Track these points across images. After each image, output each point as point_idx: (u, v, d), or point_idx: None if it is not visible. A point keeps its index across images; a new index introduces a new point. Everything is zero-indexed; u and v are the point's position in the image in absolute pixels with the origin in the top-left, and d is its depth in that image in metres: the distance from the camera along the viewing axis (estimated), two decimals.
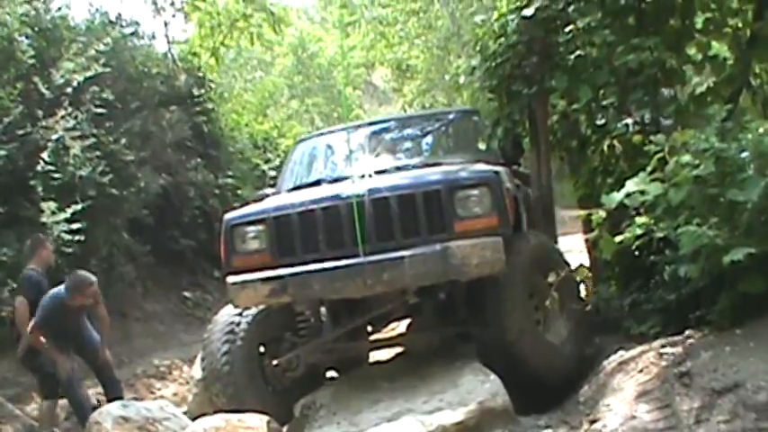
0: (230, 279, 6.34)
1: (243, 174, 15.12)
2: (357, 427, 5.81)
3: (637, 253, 6.46)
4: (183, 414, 7.68)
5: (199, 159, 14.10)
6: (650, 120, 7.25)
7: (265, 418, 6.28)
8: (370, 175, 6.93)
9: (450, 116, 8.70)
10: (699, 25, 7.70)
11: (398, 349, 7.80)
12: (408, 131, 7.96)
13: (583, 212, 6.54)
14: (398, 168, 7.28)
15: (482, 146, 7.84)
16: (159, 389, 10.78)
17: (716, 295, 5.35)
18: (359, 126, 8.77)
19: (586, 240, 8.29)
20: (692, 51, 7.70)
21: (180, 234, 13.50)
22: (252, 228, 6.44)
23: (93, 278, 8.07)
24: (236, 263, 6.44)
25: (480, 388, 5.83)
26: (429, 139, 8.20)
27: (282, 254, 6.27)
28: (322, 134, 9.14)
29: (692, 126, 6.59)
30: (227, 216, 6.64)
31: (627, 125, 7.19)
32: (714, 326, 5.32)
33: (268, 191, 8.34)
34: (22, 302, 8.37)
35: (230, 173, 14.73)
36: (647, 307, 6.47)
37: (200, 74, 15.08)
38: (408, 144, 7.86)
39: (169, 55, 15.09)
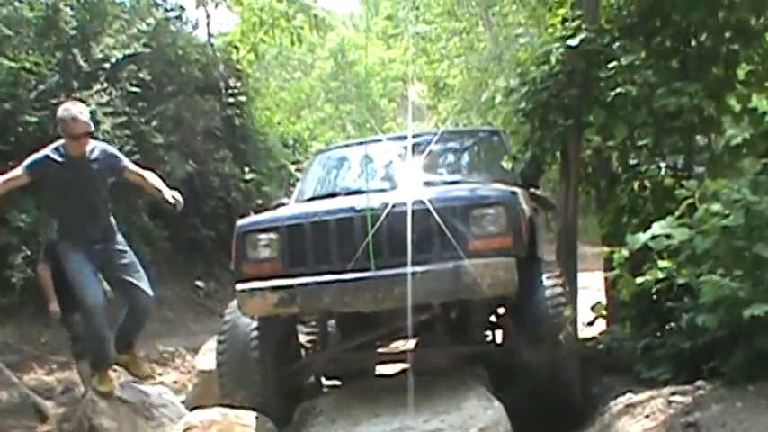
0: (239, 286, 6.26)
1: (269, 171, 15.11)
2: None
3: (655, 297, 6.39)
4: (180, 403, 7.66)
5: (227, 151, 14.08)
6: (683, 165, 7.17)
7: (263, 417, 6.24)
8: (387, 190, 6.91)
9: (474, 135, 8.72)
10: (741, 76, 7.64)
11: (404, 365, 7.73)
12: (430, 148, 7.87)
13: (606, 250, 6.47)
14: (416, 184, 7.22)
15: (505, 166, 7.77)
16: (160, 374, 10.75)
17: (732, 348, 5.26)
18: (379, 140, 8.71)
19: (606, 279, 8.26)
20: (731, 102, 7.63)
21: (200, 223, 13.50)
22: (264, 235, 6.35)
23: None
24: (246, 270, 6.36)
25: (483, 414, 5.73)
26: (450, 156, 8.15)
27: (293, 263, 6.19)
28: (342, 147, 9.13)
29: (725, 177, 6.56)
30: (240, 222, 6.59)
31: (659, 167, 7.11)
32: (726, 379, 5.22)
33: (284, 200, 8.31)
34: (44, 269, 8.51)
35: (257, 168, 14.67)
36: (660, 352, 6.36)
37: (238, 67, 15.06)
38: (428, 161, 7.75)
39: (209, 44, 15.08)
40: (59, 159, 6.72)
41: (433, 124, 26.10)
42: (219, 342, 6.85)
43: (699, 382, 5.38)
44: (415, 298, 5.85)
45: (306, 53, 35.80)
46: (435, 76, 25.18)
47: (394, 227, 5.98)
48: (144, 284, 6.97)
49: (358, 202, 6.18)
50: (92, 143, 6.88)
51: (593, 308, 6.52)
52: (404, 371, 7.57)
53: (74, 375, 9.90)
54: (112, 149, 7.38)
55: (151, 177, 7.28)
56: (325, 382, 7.81)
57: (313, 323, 7.33)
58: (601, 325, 8.30)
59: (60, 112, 6.70)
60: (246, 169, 14.37)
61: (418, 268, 5.81)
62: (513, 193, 6.28)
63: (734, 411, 4.73)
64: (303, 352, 7.30)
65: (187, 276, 13.56)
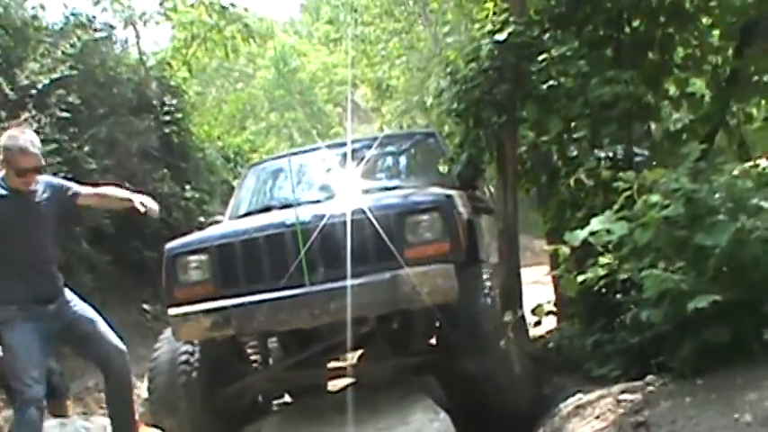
0: (172, 311, 6.06)
1: (211, 187, 14.82)
2: None
3: (603, 291, 6.25)
4: None
5: (166, 170, 13.78)
6: (623, 155, 7.04)
7: None
8: (322, 201, 6.75)
9: (409, 139, 8.58)
10: (678, 61, 7.53)
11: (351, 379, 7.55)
12: (365, 154, 7.70)
13: (548, 248, 6.33)
14: (352, 193, 7.07)
15: (442, 169, 7.62)
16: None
17: (679, 342, 5.11)
18: (314, 149, 8.56)
19: (553, 276, 8.14)
20: (669, 87, 7.52)
21: (143, 245, 13.15)
22: (194, 257, 6.16)
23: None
24: (178, 294, 6.15)
25: (429, 427, 5.61)
26: (386, 162, 8.01)
27: (226, 284, 6.00)
28: (275, 158, 8.95)
29: (666, 165, 6.43)
30: (168, 245, 6.36)
31: (599, 159, 6.97)
32: (675, 373, 5.09)
33: (218, 217, 8.11)
34: None
35: (197, 186, 14.41)
36: (610, 348, 6.22)
37: (172, 83, 14.78)
38: (364, 167, 7.59)
39: (141, 63, 14.82)
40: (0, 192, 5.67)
41: (378, 127, 25.92)
42: (150, 370, 6.70)
43: (648, 378, 5.26)
44: (352, 311, 5.68)
45: (247, 63, 35.64)
46: (377, 78, 24.98)
47: (326, 239, 5.82)
48: (110, 339, 6.12)
49: (289, 215, 5.99)
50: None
51: (533, 311, 6.34)
52: (349, 385, 7.40)
53: None
54: (57, 180, 6.37)
55: (112, 191, 6.56)
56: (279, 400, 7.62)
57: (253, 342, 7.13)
58: (552, 321, 8.19)
59: (5, 140, 5.64)
60: (188, 187, 14.09)
61: (354, 281, 5.65)
62: (449, 196, 6.12)
63: (683, 407, 4.62)
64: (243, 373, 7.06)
65: (133, 300, 13.22)
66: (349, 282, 5.65)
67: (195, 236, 6.49)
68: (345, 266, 5.75)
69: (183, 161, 14.65)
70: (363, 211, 5.86)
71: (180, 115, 14.54)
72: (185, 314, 5.93)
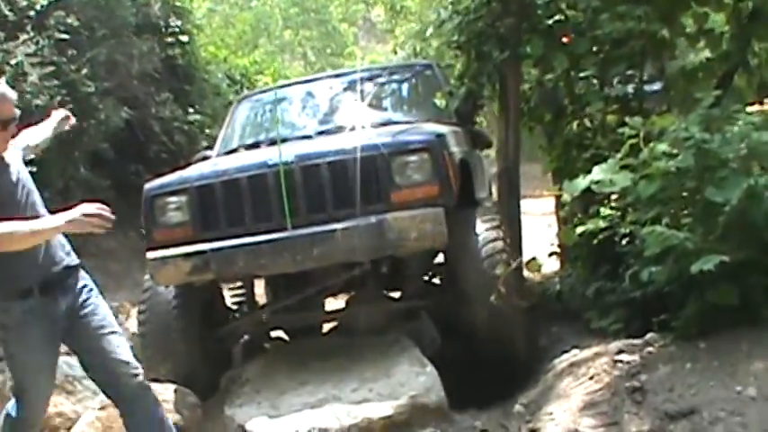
0: (150, 254, 5.76)
1: (214, 111, 14.47)
2: (278, 410, 5.35)
3: (606, 239, 5.94)
4: None
5: (168, 93, 13.45)
6: (633, 94, 6.66)
7: (183, 390, 5.85)
8: (312, 136, 6.45)
9: (406, 70, 8.14)
10: None
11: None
12: (361, 87, 7.34)
13: (552, 190, 6.01)
14: (341, 129, 6.77)
15: (439, 103, 7.27)
16: None
17: (683, 300, 4.81)
18: (308, 81, 8.25)
19: (557, 216, 7.83)
20: (686, 22, 7.09)
21: (144, 169, 12.88)
22: (173, 198, 5.84)
23: None
24: (157, 237, 5.84)
25: (414, 380, 5.35)
26: (381, 95, 7.59)
27: (206, 227, 5.70)
28: (266, 91, 8.62)
29: (680, 104, 6.08)
30: (147, 186, 6.05)
31: (607, 98, 6.59)
32: (677, 333, 4.80)
33: (207, 152, 7.78)
34: None
35: (201, 109, 14.08)
36: (612, 299, 5.95)
37: (177, 3, 14.34)
38: (357, 102, 7.25)
39: None
40: None
41: (391, 49, 25.37)
42: (140, 312, 6.40)
43: (649, 336, 5.00)
44: (336, 257, 5.49)
45: None
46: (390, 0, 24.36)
47: (310, 181, 5.52)
48: (124, 355, 4.55)
49: (270, 155, 5.69)
50: None
51: (527, 264, 5.98)
52: (337, 330, 7.20)
53: None
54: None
55: (31, 132, 5.10)
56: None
57: (238, 285, 6.89)
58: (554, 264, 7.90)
59: None
60: (191, 110, 13.76)
61: (338, 225, 5.39)
62: (440, 135, 5.79)
63: (683, 374, 4.39)
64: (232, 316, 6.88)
65: (132, 225, 12.91)
66: (332, 226, 5.40)
67: (174, 175, 6.15)
68: (329, 210, 5.48)
69: (187, 84, 14.33)
70: (348, 152, 5.55)
71: (185, 37, 14.15)
72: (164, 257, 5.65)
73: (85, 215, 4.08)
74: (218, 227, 5.69)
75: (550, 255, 7.38)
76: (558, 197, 7.15)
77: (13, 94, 4.42)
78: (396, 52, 22.04)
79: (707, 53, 7.00)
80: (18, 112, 4.39)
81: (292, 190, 5.48)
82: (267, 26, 33.04)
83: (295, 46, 35.14)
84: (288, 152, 5.61)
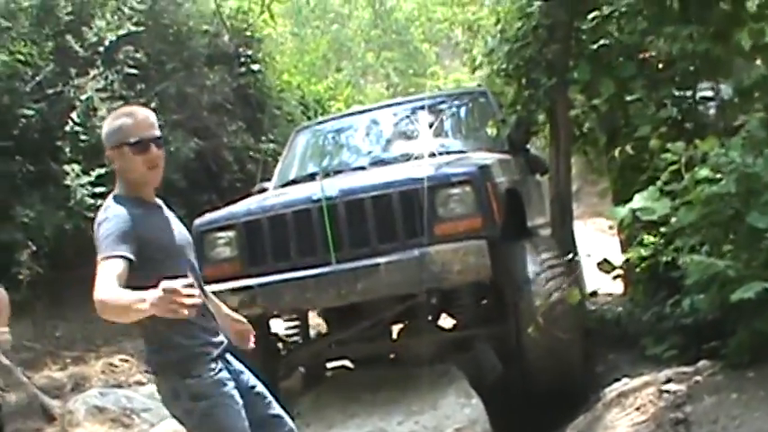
0: None
1: (287, 139, 14.61)
2: None
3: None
4: None
5: (240, 123, 13.63)
6: (686, 114, 6.54)
7: None
8: (365, 167, 6.50)
9: (460, 98, 8.12)
10: (752, 10, 6.94)
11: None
12: (414, 116, 7.39)
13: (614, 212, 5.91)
14: (395, 159, 6.80)
15: (490, 131, 7.27)
16: None
17: (734, 327, 4.73)
18: (365, 111, 8.28)
19: (620, 239, 7.74)
20: (742, 39, 6.94)
21: (218, 199, 13.09)
22: (222, 234, 6.00)
23: None
24: (207, 272, 5.81)
25: (460, 413, 5.40)
26: (436, 124, 7.53)
27: (253, 262, 5.82)
28: (324, 122, 8.69)
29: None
30: (197, 221, 6.18)
31: (657, 119, 6.47)
32: (726, 362, 4.72)
33: (266, 184, 7.88)
34: None
35: (274, 137, 14.22)
36: (668, 326, 5.87)
37: (248, 33, 14.54)
38: (412, 131, 7.30)
39: (217, 13, 14.56)
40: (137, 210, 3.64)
41: (468, 68, 25.37)
42: None
43: (700, 364, 4.94)
44: (380, 291, 5.52)
45: (342, 3, 35.30)
46: (466, 19, 24.38)
47: (353, 215, 5.59)
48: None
49: (313, 190, 5.76)
50: None
51: (599, 265, 5.91)
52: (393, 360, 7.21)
53: (85, 370, 9.73)
54: None
55: None
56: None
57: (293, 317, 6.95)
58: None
59: (120, 119, 3.85)
60: (263, 139, 13.93)
61: (381, 259, 5.41)
62: (483, 167, 5.79)
63: (728, 405, 4.31)
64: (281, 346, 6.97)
65: None
66: (376, 260, 5.45)
67: (223, 211, 6.30)
68: (373, 243, 5.52)
69: (260, 112, 14.49)
70: (391, 185, 5.60)
71: (256, 66, 14.34)
72: (212, 293, 5.75)
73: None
74: (265, 261, 5.79)
75: (615, 278, 7.28)
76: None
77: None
78: (473, 72, 21.99)
79: (762, 70, 6.85)
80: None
81: (336, 224, 5.55)
82: (349, 49, 33.30)
83: (377, 68, 35.27)
84: (333, 186, 5.67)
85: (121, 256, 3.33)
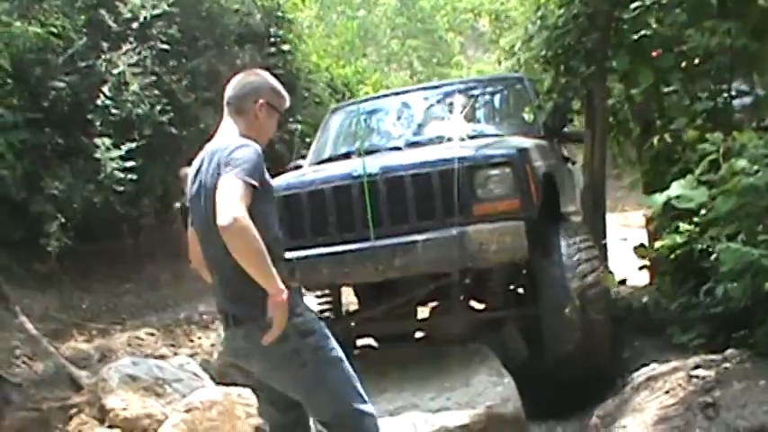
0: None
1: (315, 120, 14.68)
2: None
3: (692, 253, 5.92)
4: (204, 372, 7.48)
5: None
6: (721, 107, 6.58)
7: None
8: (401, 148, 6.55)
9: (497, 83, 8.22)
10: None
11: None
12: (453, 100, 7.44)
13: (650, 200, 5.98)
14: (432, 141, 6.85)
15: (527, 117, 7.36)
16: (199, 338, 10.58)
17: (764, 316, 4.80)
18: (401, 93, 8.32)
19: (648, 231, 7.79)
20: None
21: None
22: None
23: None
24: None
25: (492, 390, 5.44)
26: (472, 108, 7.65)
27: (292, 236, 5.82)
28: (359, 102, 8.75)
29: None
30: None
31: (693, 112, 6.53)
32: (755, 350, 4.78)
33: (301, 162, 7.96)
34: None
35: (302, 119, 14.29)
36: (695, 315, 5.92)
37: (279, 13, 14.60)
38: (449, 114, 7.34)
39: None
40: None
41: (495, 59, 25.33)
42: None
43: (728, 352, 4.97)
44: (417, 268, 5.58)
45: None
46: (494, 9, 24.33)
47: (393, 193, 5.64)
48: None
49: (354, 166, 5.82)
50: None
51: (635, 249, 5.99)
52: (421, 339, 7.29)
53: (111, 343, 9.83)
54: None
55: None
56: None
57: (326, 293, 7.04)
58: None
59: (268, 80, 4.18)
60: (291, 119, 13.99)
61: (419, 237, 5.49)
62: (522, 149, 5.87)
63: (756, 390, 4.35)
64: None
65: None
66: (414, 237, 5.51)
67: None
68: (412, 221, 5.58)
69: (289, 93, 14.52)
70: (431, 164, 5.66)
71: (286, 47, 14.40)
72: None
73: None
74: (304, 236, 5.86)
75: (641, 268, 7.35)
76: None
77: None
78: (500, 62, 21.98)
79: None
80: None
81: (375, 201, 5.60)
82: (374, 35, 33.29)
83: (401, 55, 35.24)
84: (373, 164, 5.73)
85: (253, 186, 3.58)
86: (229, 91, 4.02)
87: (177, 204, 6.69)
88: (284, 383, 3.86)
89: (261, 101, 3.98)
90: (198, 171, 3.90)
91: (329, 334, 3.89)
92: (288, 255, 5.68)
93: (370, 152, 6.68)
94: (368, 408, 3.97)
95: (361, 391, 3.96)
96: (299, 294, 3.94)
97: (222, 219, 3.44)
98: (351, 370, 3.95)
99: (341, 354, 3.90)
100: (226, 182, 3.54)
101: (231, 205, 3.44)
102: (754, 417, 4.15)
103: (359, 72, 19.25)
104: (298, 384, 3.82)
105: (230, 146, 3.72)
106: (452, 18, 36.53)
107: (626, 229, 12.81)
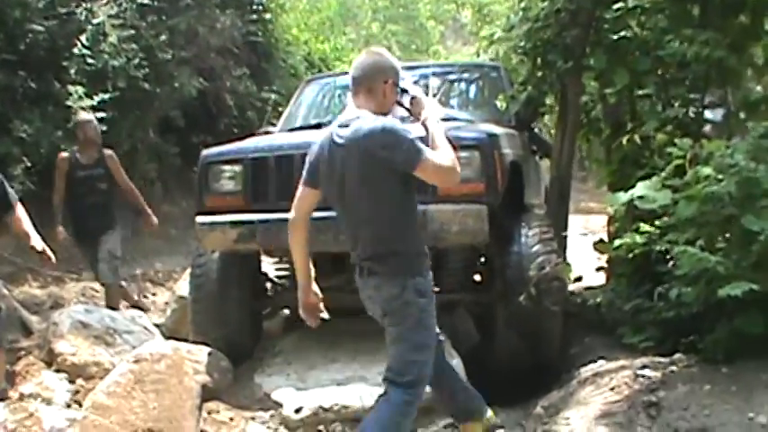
0: (200, 219, 5.99)
1: (289, 91, 14.67)
2: (305, 383, 5.61)
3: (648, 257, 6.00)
4: (155, 327, 7.50)
5: (245, 69, 13.68)
6: (692, 118, 6.66)
7: (218, 354, 6.05)
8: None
9: (475, 70, 8.24)
10: None
11: None
12: (426, 82, 7.45)
13: (606, 202, 6.05)
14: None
15: (500, 105, 7.38)
16: (154, 294, 10.60)
17: (713, 324, 4.88)
18: None
19: (608, 231, 7.86)
20: (756, 53, 7.07)
21: (213, 141, 13.15)
22: (228, 167, 6.07)
23: None
24: (208, 202, 6.11)
25: None
26: (446, 91, 7.67)
27: (256, 198, 5.89)
28: (333, 75, 8.72)
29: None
30: (204, 152, 6.31)
31: (666, 119, 6.60)
32: (703, 356, 4.87)
33: (271, 128, 7.96)
34: None
35: (277, 88, 14.29)
36: (647, 317, 5.97)
37: None
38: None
39: None
40: None
41: (475, 51, 25.37)
42: (195, 276, 6.56)
43: (676, 356, 5.08)
44: None
45: None
46: (478, 2, 24.35)
47: None
48: None
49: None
50: None
51: (595, 245, 6.06)
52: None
53: (64, 291, 9.79)
54: None
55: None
56: None
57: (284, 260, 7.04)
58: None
59: (393, 60, 4.51)
60: (265, 88, 13.99)
61: None
62: (492, 135, 5.88)
63: (700, 394, 4.46)
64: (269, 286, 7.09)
65: (192, 194, 13.32)
66: None
67: (232, 145, 6.37)
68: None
69: (265, 61, 14.55)
70: None
71: (268, 15, 14.36)
72: (212, 223, 5.86)
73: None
74: (268, 199, 5.85)
75: (598, 270, 7.44)
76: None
77: None
78: (478, 55, 21.97)
79: None
80: None
81: None
82: (355, 15, 33.22)
83: (381, 38, 35.16)
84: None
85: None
86: (358, 71, 4.33)
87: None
88: (388, 327, 4.33)
89: (390, 80, 4.31)
90: (331, 143, 4.45)
91: (434, 308, 4.36)
92: (251, 216, 5.76)
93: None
94: (424, 378, 4.35)
95: (430, 364, 4.35)
96: (426, 258, 4.36)
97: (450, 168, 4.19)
98: (435, 343, 4.42)
99: (435, 327, 4.37)
100: (426, 164, 4.13)
101: (452, 162, 4.21)
102: (696, 419, 4.24)
103: (337, 49, 19.25)
104: (393, 331, 4.29)
105: (384, 127, 4.12)
106: (435, 7, 36.55)
107: (587, 231, 12.89)
